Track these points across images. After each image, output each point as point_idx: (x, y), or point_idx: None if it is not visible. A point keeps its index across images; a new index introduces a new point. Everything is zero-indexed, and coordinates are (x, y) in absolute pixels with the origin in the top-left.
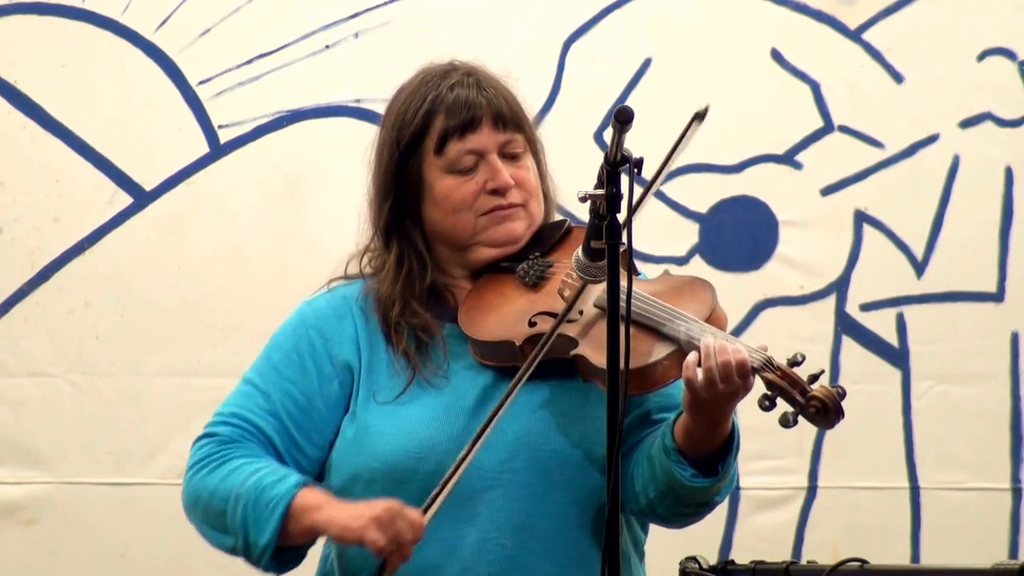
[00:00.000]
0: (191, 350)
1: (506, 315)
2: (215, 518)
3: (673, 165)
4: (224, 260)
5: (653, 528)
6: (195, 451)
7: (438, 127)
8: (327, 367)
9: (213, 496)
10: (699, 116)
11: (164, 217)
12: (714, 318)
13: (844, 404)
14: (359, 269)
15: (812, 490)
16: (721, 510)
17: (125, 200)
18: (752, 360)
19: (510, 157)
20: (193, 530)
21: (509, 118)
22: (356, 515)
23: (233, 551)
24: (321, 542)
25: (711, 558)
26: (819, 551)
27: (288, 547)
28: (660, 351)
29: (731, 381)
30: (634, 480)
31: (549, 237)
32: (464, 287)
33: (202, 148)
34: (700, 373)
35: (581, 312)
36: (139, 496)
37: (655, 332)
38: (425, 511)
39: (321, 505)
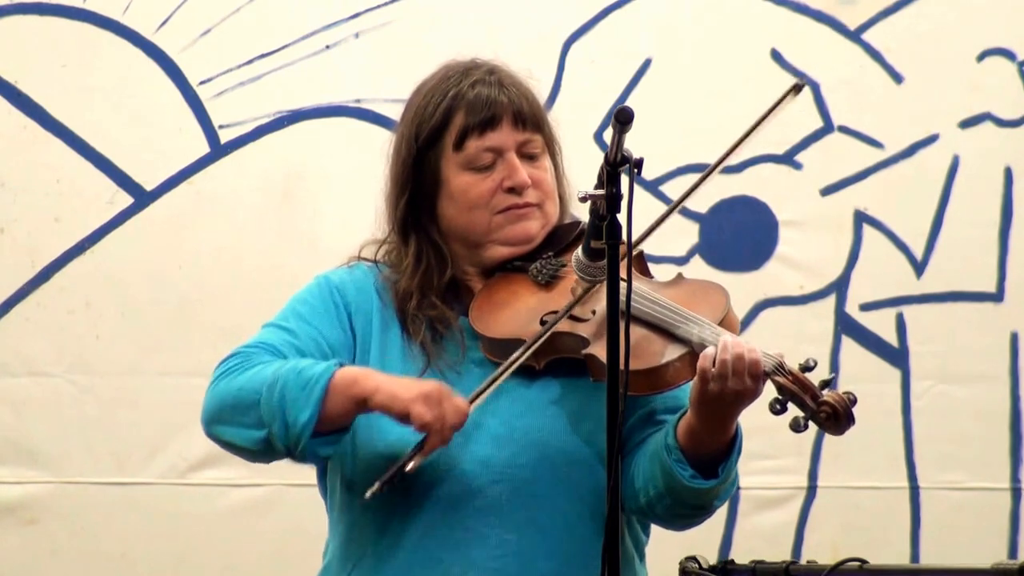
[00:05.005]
0: (191, 350)
1: (518, 313)
2: (244, 412)
3: (757, 135)
4: (224, 260)
5: (653, 526)
6: (217, 369)
7: (458, 123)
8: (348, 328)
9: (242, 391)
10: (796, 88)
11: (164, 217)
12: (726, 323)
13: (854, 410)
14: (375, 256)
15: (812, 490)
16: (721, 510)
17: (126, 200)
18: (764, 363)
19: (528, 157)
20: (193, 530)
21: (529, 118)
22: (406, 387)
23: (266, 443)
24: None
25: (711, 558)
26: (819, 551)
27: (324, 433)
28: (672, 352)
29: (741, 378)
30: (635, 478)
31: (563, 237)
32: (478, 285)
33: (202, 148)
34: (715, 365)
35: (594, 312)
36: (139, 496)
37: (668, 334)
38: (471, 402)
39: (366, 374)
